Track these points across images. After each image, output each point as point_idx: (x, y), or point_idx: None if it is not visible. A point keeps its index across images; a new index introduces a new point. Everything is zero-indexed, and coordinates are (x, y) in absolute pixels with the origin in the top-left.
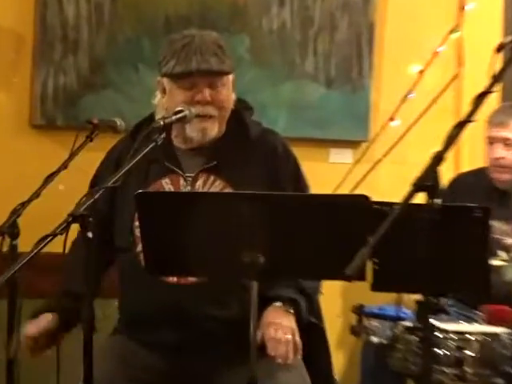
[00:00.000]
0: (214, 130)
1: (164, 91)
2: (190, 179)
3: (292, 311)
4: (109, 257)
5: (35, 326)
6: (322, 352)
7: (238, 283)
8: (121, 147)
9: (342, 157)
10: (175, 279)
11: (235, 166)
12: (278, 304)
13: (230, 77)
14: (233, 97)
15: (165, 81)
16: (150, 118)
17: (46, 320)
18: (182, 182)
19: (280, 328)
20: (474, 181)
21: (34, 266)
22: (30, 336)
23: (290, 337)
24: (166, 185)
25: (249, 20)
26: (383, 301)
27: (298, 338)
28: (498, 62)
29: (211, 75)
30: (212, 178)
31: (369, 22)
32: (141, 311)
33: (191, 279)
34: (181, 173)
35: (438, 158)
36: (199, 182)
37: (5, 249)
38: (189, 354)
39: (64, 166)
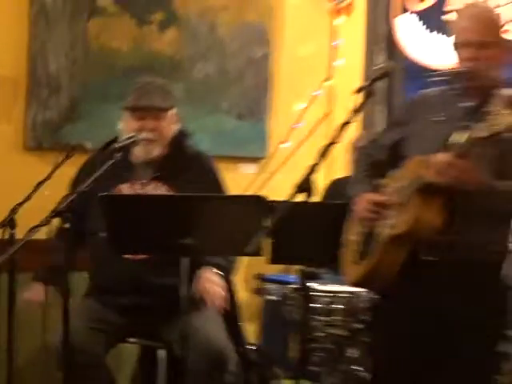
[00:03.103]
0: (155, 150)
1: (125, 120)
2: (141, 185)
3: (220, 273)
4: (82, 239)
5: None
6: (233, 306)
7: (174, 259)
8: (93, 158)
9: (248, 169)
10: (130, 256)
11: (176, 176)
12: (210, 267)
13: (170, 112)
14: (174, 126)
15: (125, 113)
16: (115, 139)
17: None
18: (137, 186)
19: (215, 285)
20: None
21: (26, 247)
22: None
23: (223, 293)
24: (128, 188)
25: (183, 71)
26: (277, 270)
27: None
28: (358, 101)
29: (154, 110)
30: (160, 184)
31: (267, 73)
32: (105, 280)
33: (141, 257)
34: (136, 180)
35: (312, 169)
36: (151, 186)
37: (6, 236)
38: (139, 312)
39: (48, 177)
